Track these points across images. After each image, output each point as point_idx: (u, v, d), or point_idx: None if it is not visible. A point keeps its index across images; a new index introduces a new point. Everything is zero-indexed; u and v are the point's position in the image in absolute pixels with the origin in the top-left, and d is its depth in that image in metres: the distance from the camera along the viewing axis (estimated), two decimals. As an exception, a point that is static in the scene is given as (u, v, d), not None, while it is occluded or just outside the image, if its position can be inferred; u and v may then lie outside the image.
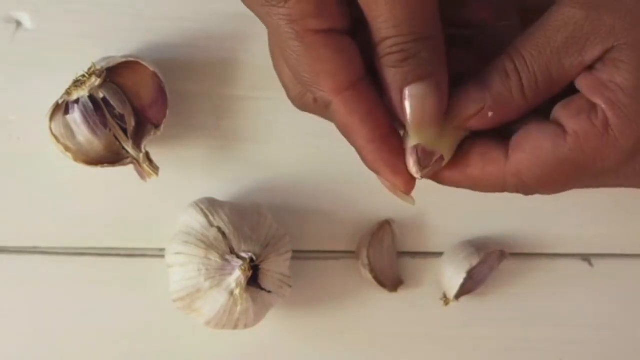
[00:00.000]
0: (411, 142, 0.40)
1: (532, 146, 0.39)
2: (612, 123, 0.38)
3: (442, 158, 0.40)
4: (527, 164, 0.39)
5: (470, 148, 0.41)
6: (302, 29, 0.38)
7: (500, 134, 0.41)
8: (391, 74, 0.38)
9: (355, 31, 0.39)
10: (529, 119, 0.40)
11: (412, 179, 0.40)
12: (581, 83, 0.39)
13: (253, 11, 0.40)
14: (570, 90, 0.40)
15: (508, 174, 0.40)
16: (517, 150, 0.40)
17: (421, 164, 0.40)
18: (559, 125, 0.39)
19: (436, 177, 0.41)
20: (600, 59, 0.38)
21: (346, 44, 0.39)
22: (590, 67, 0.39)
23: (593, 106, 0.39)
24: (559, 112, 0.40)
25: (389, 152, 0.40)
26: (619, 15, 0.38)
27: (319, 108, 0.41)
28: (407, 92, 0.38)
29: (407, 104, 0.38)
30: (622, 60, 0.38)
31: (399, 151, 0.40)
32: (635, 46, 0.38)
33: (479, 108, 0.40)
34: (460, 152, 0.41)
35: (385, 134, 0.40)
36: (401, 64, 0.38)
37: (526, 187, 0.40)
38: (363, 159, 0.40)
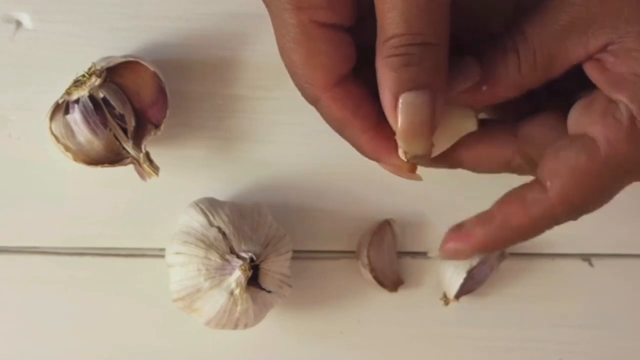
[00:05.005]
0: (400, 146, 0.38)
1: (569, 168, 0.38)
2: (638, 116, 0.37)
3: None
4: (571, 187, 0.38)
5: (505, 199, 0.39)
6: (308, 19, 0.37)
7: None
8: (390, 77, 0.37)
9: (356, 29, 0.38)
10: (549, 142, 0.39)
11: None
12: (599, 79, 0.38)
13: None
14: (571, 89, 0.39)
15: (556, 206, 0.38)
16: (554, 178, 0.38)
17: (410, 161, 0.39)
18: (586, 136, 0.38)
19: (487, 246, 0.40)
20: (605, 49, 0.37)
21: (346, 41, 0.38)
22: (597, 59, 0.38)
23: (615, 104, 0.38)
24: (581, 121, 0.39)
25: (385, 138, 0.39)
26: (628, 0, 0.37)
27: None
28: (401, 98, 0.37)
29: (400, 111, 0.37)
30: (637, 49, 0.37)
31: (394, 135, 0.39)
32: None
33: (473, 81, 0.38)
34: (495, 209, 0.39)
35: (377, 122, 0.39)
36: (403, 69, 0.36)
37: (577, 210, 0.39)
38: (360, 150, 0.40)
